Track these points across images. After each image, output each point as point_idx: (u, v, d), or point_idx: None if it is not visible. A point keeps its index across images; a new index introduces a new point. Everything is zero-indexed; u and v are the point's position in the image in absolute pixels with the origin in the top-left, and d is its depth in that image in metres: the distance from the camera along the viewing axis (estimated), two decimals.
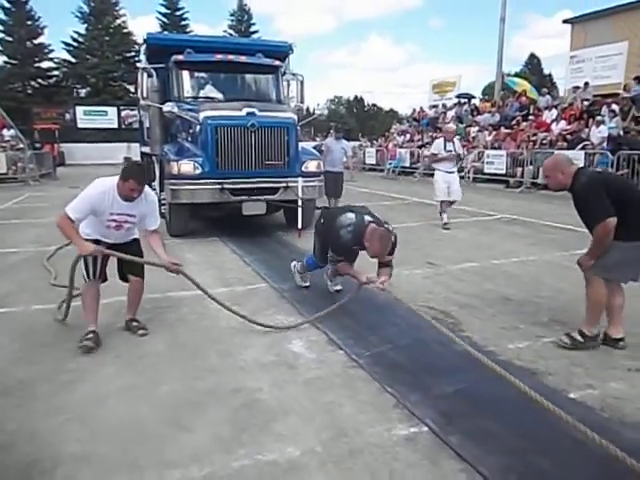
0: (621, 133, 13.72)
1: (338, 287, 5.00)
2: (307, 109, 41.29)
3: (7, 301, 4.69)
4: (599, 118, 13.98)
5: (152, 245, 3.90)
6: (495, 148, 16.28)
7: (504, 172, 15.11)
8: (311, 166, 8.04)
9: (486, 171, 15.83)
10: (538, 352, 3.61)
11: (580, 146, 13.37)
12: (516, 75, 32.48)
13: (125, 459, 2.39)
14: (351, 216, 4.30)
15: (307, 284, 5.17)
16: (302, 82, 9.49)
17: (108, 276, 3.91)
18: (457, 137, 8.94)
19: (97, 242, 3.72)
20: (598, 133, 13.69)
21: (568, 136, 14.63)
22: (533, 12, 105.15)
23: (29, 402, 2.91)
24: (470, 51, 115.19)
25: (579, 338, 3.63)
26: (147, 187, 3.81)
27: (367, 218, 4.25)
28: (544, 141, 14.79)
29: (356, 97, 69.25)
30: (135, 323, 3.99)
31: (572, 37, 28.27)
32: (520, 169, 14.59)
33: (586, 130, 14.36)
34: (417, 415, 2.76)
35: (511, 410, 2.84)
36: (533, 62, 56.91)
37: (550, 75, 47.70)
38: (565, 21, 28.87)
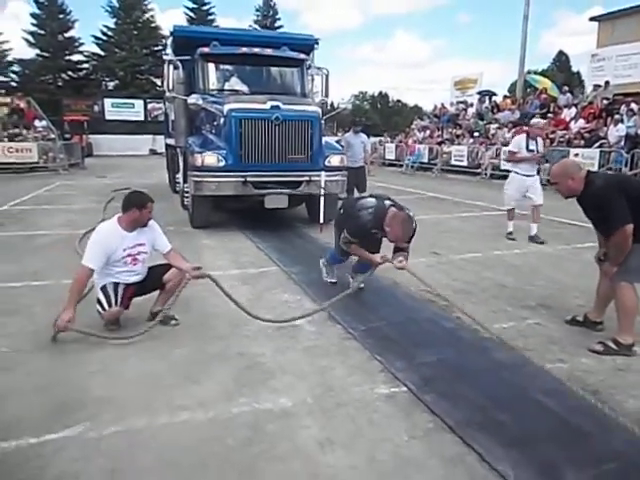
0: (639, 132, 13.75)
1: (362, 284, 4.76)
2: (332, 104, 41.58)
3: (40, 275, 5.15)
4: (617, 117, 14.01)
5: (175, 265, 3.90)
6: None
7: None
8: (334, 160, 8.01)
9: (502, 168, 15.95)
10: (520, 331, 3.91)
11: (597, 144, 13.44)
12: (539, 73, 32.32)
13: (141, 403, 2.79)
14: (372, 200, 4.35)
15: (333, 280, 5.03)
16: (327, 76, 9.50)
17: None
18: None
19: (116, 285, 3.74)
20: (616, 132, 13.73)
21: (586, 134, 14.69)
22: (564, 9, 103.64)
23: (61, 356, 3.34)
24: (498, 47, 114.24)
25: (613, 346, 3.47)
26: None
27: (388, 202, 4.25)
28: (561, 139, 14.86)
29: (380, 93, 69.29)
30: (165, 313, 3.84)
31: (599, 35, 28.02)
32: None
33: (604, 129, 14.41)
34: (399, 378, 3.11)
35: (485, 378, 3.17)
36: (561, 59, 56.27)
37: (578, 73, 47.09)
38: (592, 19, 28.63)
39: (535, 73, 30.93)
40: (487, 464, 2.31)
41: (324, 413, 2.73)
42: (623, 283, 3.45)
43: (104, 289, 3.74)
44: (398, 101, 69.23)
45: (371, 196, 4.51)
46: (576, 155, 13.39)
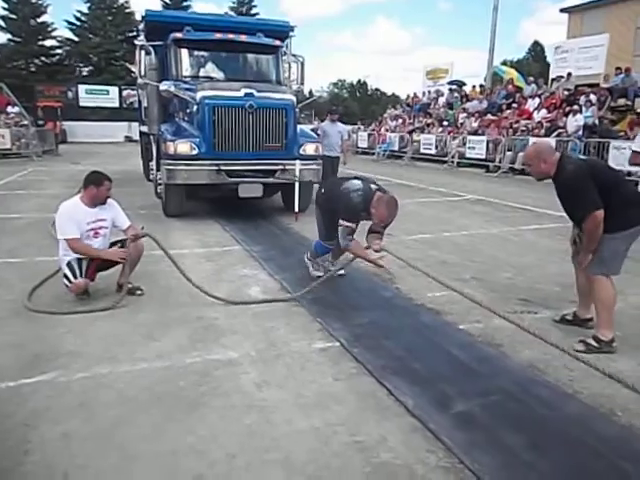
0: (596, 122, 14.42)
1: (342, 271, 4.83)
2: (310, 92, 41.70)
3: (15, 253, 5.52)
4: (575, 107, 14.65)
5: (130, 229, 4.33)
6: (478, 134, 16.98)
7: (484, 157, 15.86)
8: (309, 149, 7.93)
9: (468, 156, 16.58)
10: (449, 299, 4.41)
11: (555, 134, 14.07)
12: (504, 63, 33.17)
13: (106, 356, 3.22)
14: (358, 182, 4.40)
15: (321, 273, 4.83)
16: (302, 63, 9.41)
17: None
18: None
19: (80, 260, 4.10)
20: (574, 122, 14.37)
21: (547, 124, 15.32)
22: None
23: (36, 320, 3.76)
24: (478, 36, 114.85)
25: (594, 344, 3.39)
26: None
27: (373, 186, 4.34)
28: (523, 128, 15.48)
29: (359, 81, 69.52)
30: (130, 285, 4.28)
31: (569, 26, 28.79)
32: (499, 154, 15.32)
33: (564, 119, 15.05)
34: (334, 335, 3.59)
35: (407, 336, 3.67)
36: (537, 49, 57.09)
37: None
38: (562, 10, 29.39)
39: (504, 64, 31.58)
40: (394, 397, 2.80)
41: (264, 362, 3.20)
42: (599, 276, 3.40)
43: (69, 265, 4.11)
44: (377, 89, 69.60)
45: (356, 178, 4.56)
46: (534, 144, 13.99)
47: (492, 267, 5.47)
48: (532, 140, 14.17)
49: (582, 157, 4.03)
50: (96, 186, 4.14)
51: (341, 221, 4.29)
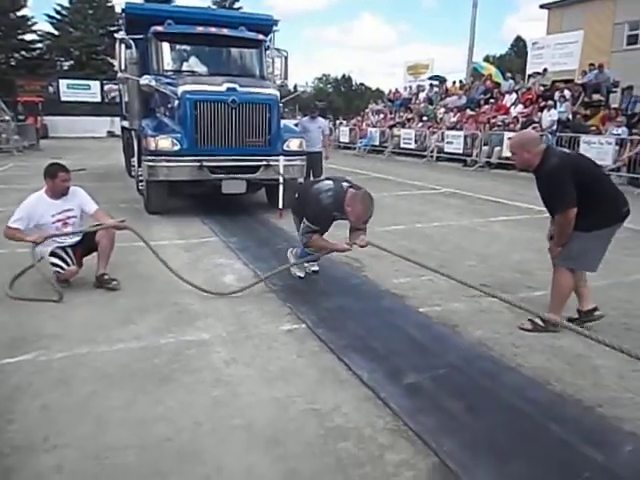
0: (570, 117, 14.81)
1: (316, 267, 4.92)
2: (294, 87, 41.75)
3: None
4: (550, 102, 15.03)
5: (100, 221, 4.44)
6: (456, 129, 17.31)
7: (462, 151, 16.19)
8: (293, 145, 7.86)
9: (446, 150, 16.91)
10: (413, 286, 4.68)
11: (530, 128, 14.41)
12: (485, 59, 33.67)
13: (86, 338, 3.43)
14: (329, 182, 4.35)
15: (302, 274, 4.84)
16: (286, 58, 9.34)
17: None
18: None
19: (64, 248, 4.30)
20: (549, 117, 14.76)
21: (523, 119, 15.69)
22: None
23: (17, 307, 3.96)
24: (462, 33, 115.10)
25: (540, 323, 3.60)
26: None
27: (345, 184, 4.26)
28: (500, 123, 15.83)
29: (344, 76, 69.64)
30: (106, 276, 4.42)
31: (548, 22, 29.24)
32: (476, 149, 15.67)
33: (539, 114, 15.43)
34: (301, 318, 3.84)
35: (370, 318, 3.93)
36: (519, 45, 57.66)
37: None
38: (542, 6, 29.83)
39: (487, 60, 32.02)
40: (351, 371, 3.05)
41: (234, 343, 3.43)
42: (563, 268, 3.56)
43: (55, 254, 4.29)
44: (361, 84, 69.80)
45: (327, 179, 4.53)
46: (509, 139, 14.34)
47: (457, 256, 5.74)
48: (507, 135, 14.54)
49: (567, 151, 4.05)
50: (51, 178, 4.27)
51: (305, 220, 4.30)
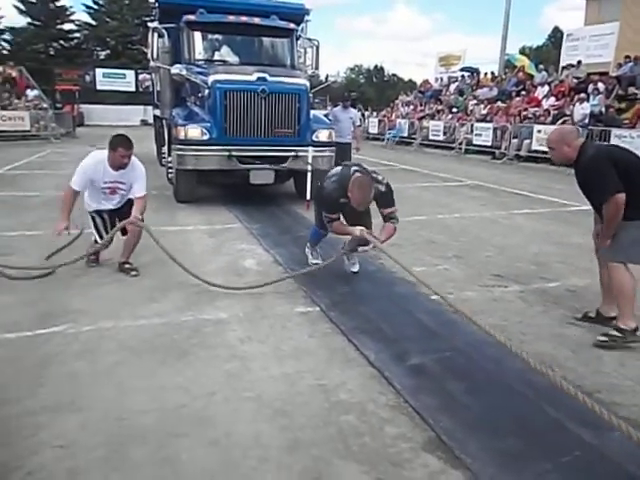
0: (603, 111, 14.52)
1: (356, 268, 4.81)
2: (326, 77, 41.66)
3: (33, 227, 5.98)
4: (582, 95, 14.75)
5: (132, 209, 4.46)
6: (486, 121, 17.14)
7: (490, 144, 16.05)
8: (322, 135, 7.81)
9: (475, 143, 16.78)
10: (428, 274, 4.75)
11: (560, 121, 14.20)
12: (521, 52, 33.06)
13: (111, 314, 3.65)
14: (338, 168, 4.38)
15: (317, 261, 4.81)
16: (317, 47, 9.29)
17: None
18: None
19: (99, 211, 4.58)
20: (581, 110, 14.51)
21: (554, 112, 15.44)
22: None
23: (48, 284, 4.22)
24: (498, 22, 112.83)
25: (617, 334, 3.33)
26: (135, 158, 4.49)
27: (354, 169, 4.16)
28: (530, 116, 15.62)
29: (376, 66, 69.19)
30: (127, 265, 4.57)
31: (586, 12, 28.52)
32: (505, 142, 15.51)
33: (571, 107, 15.16)
34: (316, 301, 3.98)
35: (382, 303, 4.05)
36: (557, 35, 56.28)
37: None
38: None
39: (523, 51, 31.45)
40: (359, 352, 3.18)
41: (250, 322, 3.60)
42: (615, 264, 3.36)
43: (94, 223, 4.61)
44: (394, 75, 69.25)
45: (340, 165, 4.53)
46: (539, 132, 14.18)
47: (475, 246, 5.80)
48: (537, 128, 14.35)
49: (605, 144, 3.97)
50: (113, 150, 4.34)
51: (324, 213, 4.36)
